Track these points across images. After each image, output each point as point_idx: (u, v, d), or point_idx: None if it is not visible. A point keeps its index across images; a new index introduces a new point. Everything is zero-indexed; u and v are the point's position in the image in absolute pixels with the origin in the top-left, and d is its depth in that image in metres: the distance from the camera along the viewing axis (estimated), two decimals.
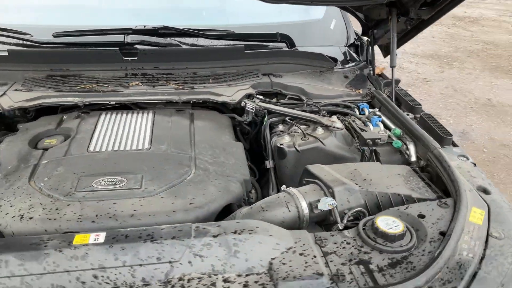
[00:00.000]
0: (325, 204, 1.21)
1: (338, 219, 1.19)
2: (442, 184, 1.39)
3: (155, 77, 1.90)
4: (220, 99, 1.78)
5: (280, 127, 1.75)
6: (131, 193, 1.27)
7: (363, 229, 1.15)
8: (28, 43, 1.97)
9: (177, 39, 2.06)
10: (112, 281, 0.97)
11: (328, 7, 2.47)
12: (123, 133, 1.59)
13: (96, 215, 1.18)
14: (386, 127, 1.70)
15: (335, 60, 2.15)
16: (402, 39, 2.09)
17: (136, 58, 1.90)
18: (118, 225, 1.16)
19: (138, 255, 1.01)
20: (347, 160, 1.61)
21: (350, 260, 1.06)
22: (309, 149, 1.60)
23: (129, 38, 1.97)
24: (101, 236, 1.04)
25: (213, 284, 0.97)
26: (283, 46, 2.16)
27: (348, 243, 1.12)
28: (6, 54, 1.85)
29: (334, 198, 1.26)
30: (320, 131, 1.65)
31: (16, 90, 1.77)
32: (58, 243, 1.01)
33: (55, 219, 1.17)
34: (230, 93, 1.81)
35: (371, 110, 1.81)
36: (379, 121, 1.69)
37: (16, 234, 1.16)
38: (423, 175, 1.44)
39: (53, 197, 1.25)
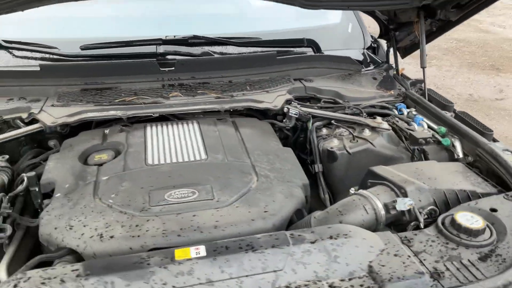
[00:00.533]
0: (404, 204, 1.23)
1: (421, 218, 1.22)
2: (494, 178, 1.44)
3: (192, 87, 1.89)
4: (262, 106, 1.78)
5: (324, 130, 1.77)
6: (206, 204, 1.26)
7: (443, 226, 1.18)
8: (56, 57, 1.92)
9: (206, 48, 2.05)
10: None
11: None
12: (175, 144, 1.57)
13: (181, 229, 1.16)
14: (428, 126, 1.74)
15: (361, 62, 2.19)
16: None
17: (173, 68, 1.88)
18: (204, 237, 1.15)
19: (243, 266, 1.00)
20: (395, 160, 1.65)
21: (441, 257, 1.08)
22: (360, 151, 1.63)
23: (161, 49, 1.95)
24: (202, 249, 1.02)
25: None
26: (309, 51, 2.19)
27: (433, 241, 1.14)
28: (38, 69, 1.80)
29: (407, 197, 1.28)
30: (367, 132, 1.68)
31: (52, 105, 1.72)
32: (161, 260, 0.99)
33: (138, 236, 1.14)
34: (270, 100, 1.82)
35: (408, 110, 1.86)
36: (422, 120, 1.73)
37: (98, 255, 1.12)
38: (476, 171, 1.49)
39: (128, 214, 1.22)
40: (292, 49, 2.17)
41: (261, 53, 2.04)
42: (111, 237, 1.15)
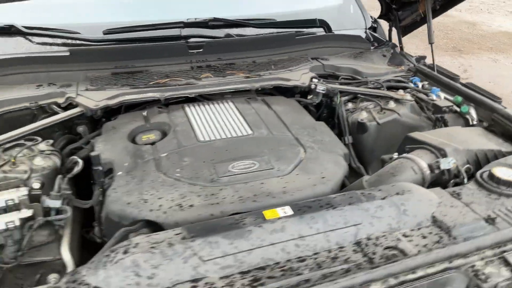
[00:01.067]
0: (448, 163, 1.36)
1: (464, 174, 1.36)
2: (510, 140, 1.61)
3: (220, 68, 1.94)
4: (290, 83, 1.87)
5: (350, 105, 1.89)
6: (269, 173, 1.34)
7: (483, 180, 1.33)
8: (79, 42, 1.92)
9: (227, 30, 2.10)
10: (312, 248, 1.05)
11: None
12: (218, 122, 1.64)
13: (254, 195, 1.24)
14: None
15: (370, 41, 2.31)
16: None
17: (201, 50, 1.93)
18: (276, 202, 1.23)
19: (327, 222, 1.10)
20: (418, 129, 1.78)
21: (489, 206, 1.23)
22: (389, 122, 1.76)
23: (184, 32, 1.99)
24: (288, 209, 1.11)
25: (398, 239, 1.10)
26: (321, 31, 2.28)
27: (477, 194, 1.29)
28: (66, 54, 1.80)
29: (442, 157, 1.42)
30: (392, 104, 1.81)
31: (86, 90, 1.73)
32: (254, 220, 1.07)
33: (217, 203, 1.22)
34: (297, 77, 1.91)
35: (421, 83, 2.00)
36: (439, 91, 1.88)
37: (179, 223, 1.19)
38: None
39: (199, 185, 1.29)
40: (304, 29, 2.25)
41: (281, 34, 2.11)
42: (191, 206, 1.22)
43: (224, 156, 1.41)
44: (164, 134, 1.60)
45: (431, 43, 2.11)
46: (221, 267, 0.99)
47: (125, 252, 0.98)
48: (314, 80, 1.92)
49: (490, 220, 1.17)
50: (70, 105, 1.69)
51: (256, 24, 2.12)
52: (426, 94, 1.88)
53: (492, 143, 1.55)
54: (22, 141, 1.49)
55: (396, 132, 1.76)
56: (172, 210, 1.21)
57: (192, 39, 1.97)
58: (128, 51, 1.89)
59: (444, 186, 1.41)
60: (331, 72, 2.07)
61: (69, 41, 1.93)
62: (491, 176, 1.32)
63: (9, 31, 1.89)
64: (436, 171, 1.39)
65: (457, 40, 8.48)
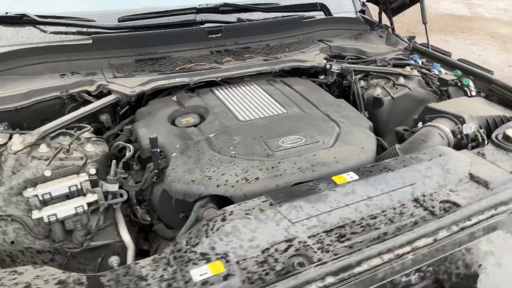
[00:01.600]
0: (469, 128, 1.54)
1: (484, 137, 1.54)
2: (508, 107, 1.82)
3: (237, 52, 2.01)
4: (308, 64, 1.98)
5: (362, 82, 2.02)
6: (316, 146, 1.45)
7: (499, 141, 1.51)
8: (94, 30, 1.91)
9: (235, 15, 2.16)
10: (379, 206, 1.18)
11: None
12: (251, 103, 1.72)
13: (312, 165, 1.35)
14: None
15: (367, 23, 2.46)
16: None
17: (220, 35, 1.98)
18: (331, 170, 1.34)
19: (389, 183, 1.23)
20: (426, 101, 1.96)
21: (510, 163, 1.41)
22: (401, 96, 1.91)
23: (199, 17, 2.03)
24: (353, 175, 1.23)
25: (448, 194, 1.25)
26: (321, 14, 2.40)
27: (497, 153, 1.47)
28: (89, 41, 1.79)
29: (463, 124, 1.60)
30: (402, 80, 1.97)
31: (114, 77, 1.74)
32: (327, 186, 1.18)
33: (281, 175, 1.31)
34: (311, 58, 2.01)
35: (421, 60, 2.18)
36: (439, 66, 2.06)
37: (248, 195, 1.27)
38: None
39: (257, 160, 1.37)
40: (305, 13, 2.36)
41: (291, 17, 2.20)
42: (256, 178, 1.30)
43: (269, 133, 1.50)
44: (201, 117, 1.66)
45: (424, 23, 2.29)
46: (308, 227, 1.09)
47: (223, 220, 1.06)
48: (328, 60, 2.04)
49: None
50: (100, 93, 1.70)
51: (264, 8, 2.20)
52: (429, 70, 2.06)
53: (496, 110, 1.75)
54: (64, 130, 1.49)
55: (407, 105, 1.93)
56: (239, 184, 1.29)
57: (207, 24, 2.01)
58: (151, 37, 1.90)
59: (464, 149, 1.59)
60: (337, 53, 2.20)
61: (84, 29, 1.91)
62: (506, 137, 1.51)
63: (20, 20, 1.85)
64: (458, 136, 1.57)
65: (409, 24, 8.92)
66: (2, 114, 1.59)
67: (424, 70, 2.06)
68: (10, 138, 1.40)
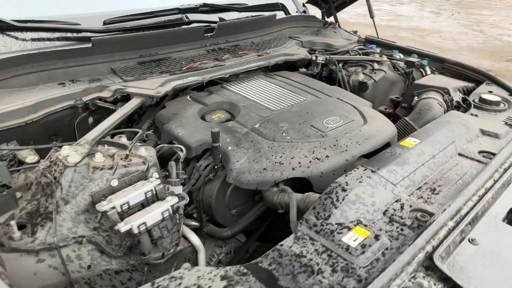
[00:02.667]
0: (458, 96, 1.83)
1: (471, 101, 1.83)
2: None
3: (230, 49, 2.03)
4: (296, 57, 2.10)
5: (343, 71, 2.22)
6: (355, 124, 1.57)
7: (479, 104, 1.83)
8: (81, 35, 1.74)
9: (213, 15, 2.17)
10: (442, 162, 1.35)
11: None
12: (269, 94, 1.76)
13: (365, 139, 1.47)
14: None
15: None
16: None
17: (213, 33, 1.97)
18: (379, 141, 1.49)
19: (440, 142, 1.41)
20: (397, 82, 2.24)
21: (496, 118, 1.73)
22: (381, 79, 2.15)
23: (190, 17, 2.00)
24: (414, 139, 1.38)
25: (478, 146, 1.48)
26: (282, 14, 2.54)
27: (482, 113, 1.78)
28: (89, 45, 1.64)
29: (450, 94, 1.89)
30: (376, 66, 2.21)
31: (124, 81, 1.63)
32: (402, 150, 1.31)
33: (346, 150, 1.40)
34: (297, 52, 2.14)
35: (378, 48, 2.47)
36: (398, 52, 2.37)
37: (324, 173, 1.34)
38: None
39: (315, 141, 1.44)
40: (267, 13, 2.47)
41: (267, 15, 2.29)
42: (327, 156, 1.37)
43: (308, 118, 1.57)
44: (228, 112, 1.65)
45: (372, 17, 2.60)
46: (405, 187, 1.21)
47: (344, 190, 1.11)
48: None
49: (507, 125, 1.66)
50: (115, 99, 1.57)
51: (238, 8, 2.25)
52: (391, 56, 2.35)
53: (461, 82, 2.09)
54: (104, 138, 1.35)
55: (385, 87, 2.18)
56: (313, 164, 1.34)
57: (196, 24, 1.99)
58: (152, 37, 1.80)
59: None
60: (309, 47, 2.36)
61: (69, 34, 1.73)
62: (484, 100, 1.83)
63: None
64: (450, 104, 1.85)
65: None
66: (7, 132, 1.37)
67: (388, 57, 2.34)
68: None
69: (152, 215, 1.14)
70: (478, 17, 11.29)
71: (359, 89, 2.13)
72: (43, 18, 1.69)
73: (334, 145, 1.42)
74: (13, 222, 1.04)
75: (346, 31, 2.74)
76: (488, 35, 9.33)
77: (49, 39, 1.69)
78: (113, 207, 1.13)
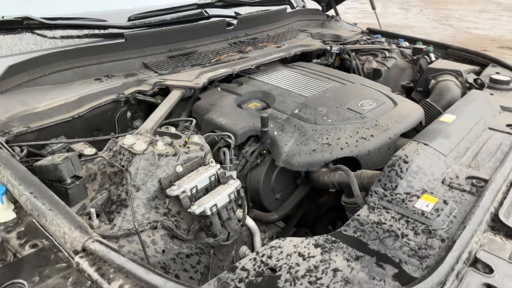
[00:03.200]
0: (471, 77, 1.94)
1: (484, 82, 1.94)
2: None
3: (250, 42, 2.07)
4: (313, 48, 2.16)
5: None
6: (387, 105, 1.64)
7: (491, 83, 1.94)
8: (107, 31, 1.74)
9: (232, 9, 2.21)
10: (475, 135, 1.44)
11: None
12: (297, 83, 1.81)
13: (402, 118, 1.54)
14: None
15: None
16: None
17: (233, 27, 2.01)
18: (412, 120, 1.58)
19: (473, 117, 1.50)
20: (407, 68, 2.33)
21: (507, 96, 1.84)
22: (393, 66, 2.24)
23: (209, 11, 2.03)
24: (450, 116, 1.46)
25: (504, 119, 1.58)
26: (288, 7, 2.60)
27: (495, 92, 1.89)
28: (122, 40, 1.64)
29: (463, 76, 2.00)
30: (387, 54, 2.30)
31: (160, 75, 1.65)
32: (443, 125, 1.39)
33: (388, 129, 1.47)
34: (311, 43, 2.20)
35: (383, 38, 2.57)
36: (404, 41, 2.47)
37: (371, 151, 1.40)
38: None
39: (357, 122, 1.50)
40: (276, 7, 2.53)
41: (279, 9, 2.34)
42: (371, 135, 1.43)
43: (342, 102, 1.63)
44: (263, 101, 1.69)
45: (373, 9, 2.69)
46: (453, 158, 1.28)
47: (405, 162, 1.17)
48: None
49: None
50: (153, 93, 1.59)
51: (250, 2, 2.30)
52: (398, 44, 2.44)
53: (466, 65, 2.21)
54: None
55: (396, 73, 2.27)
56: (360, 143, 1.40)
57: (217, 18, 2.02)
58: (180, 32, 1.82)
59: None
60: (319, 39, 2.42)
61: (96, 31, 1.73)
62: (495, 81, 1.94)
63: (21, 25, 1.58)
64: (466, 85, 1.95)
65: None
66: (55, 127, 1.36)
67: (396, 45, 2.44)
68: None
69: (221, 197, 1.17)
70: (445, 12, 11.72)
71: (373, 76, 2.21)
72: (67, 15, 1.68)
73: (376, 125, 1.49)
74: (93, 210, 1.04)
75: (348, 23, 2.82)
76: (457, 28, 9.71)
77: (78, 37, 1.68)
78: (184, 191, 1.15)
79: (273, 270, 0.85)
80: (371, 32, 2.68)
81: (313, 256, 0.89)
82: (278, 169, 1.49)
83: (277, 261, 0.87)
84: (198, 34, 1.89)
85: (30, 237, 0.90)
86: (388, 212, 1.06)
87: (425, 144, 1.26)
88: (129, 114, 1.60)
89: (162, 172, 1.18)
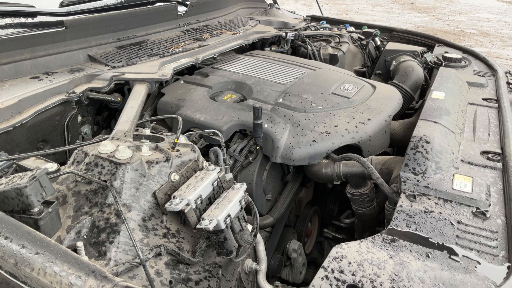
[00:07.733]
0: (431, 57, 1.95)
1: (442, 60, 1.96)
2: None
3: (203, 30, 1.85)
4: (269, 35, 2.01)
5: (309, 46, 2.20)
6: (368, 88, 1.56)
7: (445, 61, 1.98)
8: (36, 20, 1.41)
9: None
10: (464, 111, 1.42)
11: None
12: (267, 71, 1.65)
13: (388, 100, 1.46)
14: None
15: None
16: None
17: (185, 12, 1.77)
18: (398, 101, 1.50)
19: (456, 95, 1.47)
20: (357, 52, 2.30)
21: (462, 71, 1.89)
22: (346, 51, 2.19)
23: None
24: (440, 93, 1.42)
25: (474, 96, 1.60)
26: None
27: (449, 67, 1.93)
28: (62, 28, 1.33)
29: (421, 56, 2.01)
30: (339, 39, 2.24)
31: (112, 68, 1.36)
32: (437, 103, 1.33)
33: (382, 111, 1.38)
34: (267, 30, 2.06)
35: (327, 25, 2.52)
36: (349, 26, 2.44)
37: (371, 135, 1.31)
38: None
39: (346, 107, 1.39)
40: None
41: None
42: (369, 119, 1.32)
43: (322, 87, 1.51)
44: (237, 91, 1.50)
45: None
46: (459, 134, 1.23)
47: (428, 142, 1.08)
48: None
49: (482, 76, 1.83)
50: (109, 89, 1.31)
51: None
52: (345, 29, 2.40)
53: (414, 47, 2.24)
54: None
55: (349, 58, 2.22)
56: (360, 128, 1.29)
57: (165, 3, 1.77)
58: (130, 17, 1.52)
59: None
60: (268, 25, 2.29)
61: (22, 20, 1.38)
62: (449, 59, 1.98)
63: None
64: (428, 63, 1.96)
65: None
66: None
67: (344, 31, 2.39)
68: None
69: (232, 205, 0.97)
70: (344, 7, 12.41)
71: (330, 61, 2.13)
72: None
73: (368, 109, 1.39)
74: (80, 244, 0.77)
75: (288, 11, 2.73)
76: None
77: (1, 27, 1.33)
78: (188, 204, 0.92)
79: (355, 287, 0.68)
80: (314, 19, 2.62)
81: (385, 261, 0.74)
82: (269, 166, 1.32)
83: (352, 275, 0.71)
84: (150, 20, 1.62)
85: None
86: (429, 199, 0.95)
87: (435, 122, 1.19)
88: (80, 118, 1.30)
89: (155, 184, 0.94)
